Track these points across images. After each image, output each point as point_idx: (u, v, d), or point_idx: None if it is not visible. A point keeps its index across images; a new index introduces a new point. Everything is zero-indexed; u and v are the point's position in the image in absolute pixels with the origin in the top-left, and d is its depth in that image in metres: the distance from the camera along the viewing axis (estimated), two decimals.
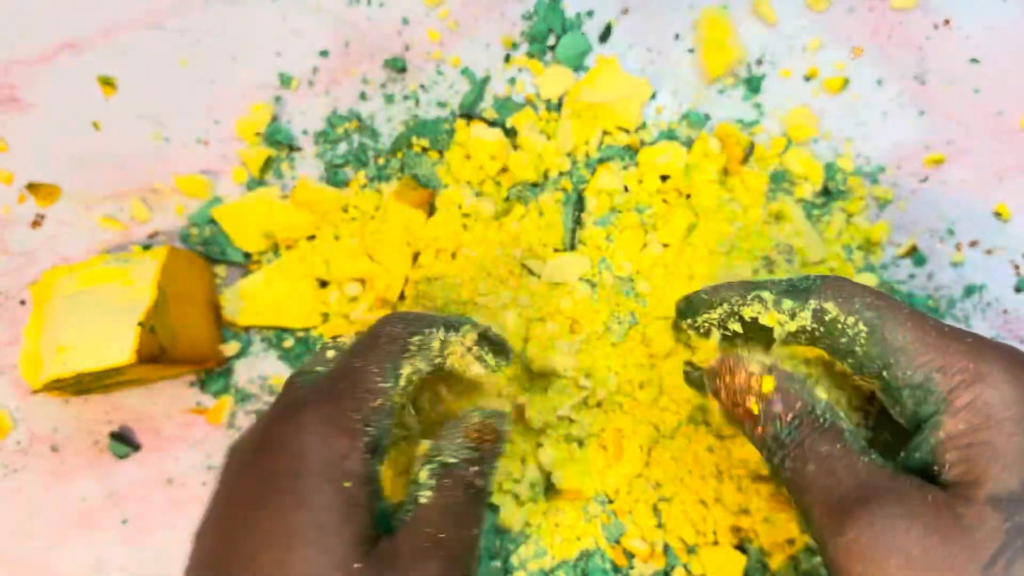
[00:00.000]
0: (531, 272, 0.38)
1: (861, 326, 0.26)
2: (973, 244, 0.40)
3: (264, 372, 0.39)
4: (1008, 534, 0.23)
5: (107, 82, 0.41)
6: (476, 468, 0.28)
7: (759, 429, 0.27)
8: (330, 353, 0.29)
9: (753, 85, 0.41)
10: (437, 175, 0.40)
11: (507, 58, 0.41)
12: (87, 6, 0.41)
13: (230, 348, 0.39)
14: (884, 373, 0.26)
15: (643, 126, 0.41)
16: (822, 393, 0.27)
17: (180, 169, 0.40)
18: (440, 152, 0.40)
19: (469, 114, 0.40)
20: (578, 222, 0.39)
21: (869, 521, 0.24)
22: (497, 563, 0.37)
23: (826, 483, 0.25)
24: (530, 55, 0.41)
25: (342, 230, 0.39)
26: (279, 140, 0.40)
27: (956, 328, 0.26)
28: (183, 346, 0.36)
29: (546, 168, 0.39)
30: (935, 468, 0.25)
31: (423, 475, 0.27)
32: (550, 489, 0.37)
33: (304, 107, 0.41)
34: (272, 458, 0.24)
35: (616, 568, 0.37)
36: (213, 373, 0.39)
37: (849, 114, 0.41)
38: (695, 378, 0.34)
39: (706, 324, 0.31)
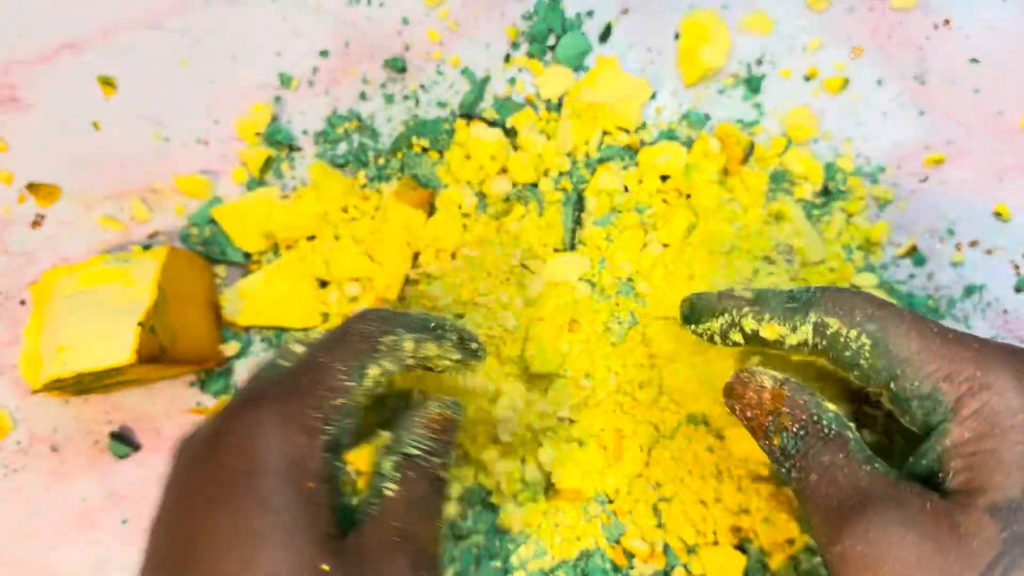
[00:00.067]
0: (531, 272, 0.38)
1: (864, 339, 0.26)
2: (973, 244, 0.40)
3: None
4: (1005, 543, 0.23)
5: (107, 82, 0.41)
6: (439, 459, 0.27)
7: (768, 441, 0.27)
8: (296, 347, 0.28)
9: (753, 85, 0.41)
10: (437, 175, 0.40)
11: (507, 58, 0.41)
12: (87, 6, 0.41)
13: (230, 348, 0.39)
14: (892, 384, 0.26)
15: (643, 126, 0.41)
16: (830, 404, 0.27)
17: (180, 169, 0.40)
18: (440, 152, 0.40)
19: (469, 114, 0.40)
20: (578, 222, 0.39)
21: (865, 528, 0.24)
22: (497, 563, 0.37)
23: (827, 491, 0.25)
24: (530, 55, 0.41)
25: (342, 230, 0.39)
26: (279, 140, 0.40)
27: (960, 333, 0.26)
28: (183, 346, 0.36)
29: (546, 168, 0.39)
30: (940, 475, 0.25)
31: (387, 467, 0.26)
32: (550, 489, 0.37)
33: (304, 107, 0.41)
34: (229, 455, 0.23)
35: (616, 568, 0.37)
36: (213, 373, 0.39)
37: (849, 114, 0.41)
38: (687, 314, 0.33)
39: (708, 332, 0.31)
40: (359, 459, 0.33)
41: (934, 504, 0.24)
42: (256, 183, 0.41)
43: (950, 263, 0.40)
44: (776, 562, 0.36)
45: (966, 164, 0.40)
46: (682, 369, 0.37)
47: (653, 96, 0.41)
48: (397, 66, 0.41)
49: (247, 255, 0.40)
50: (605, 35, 0.41)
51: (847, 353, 0.27)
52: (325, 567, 0.22)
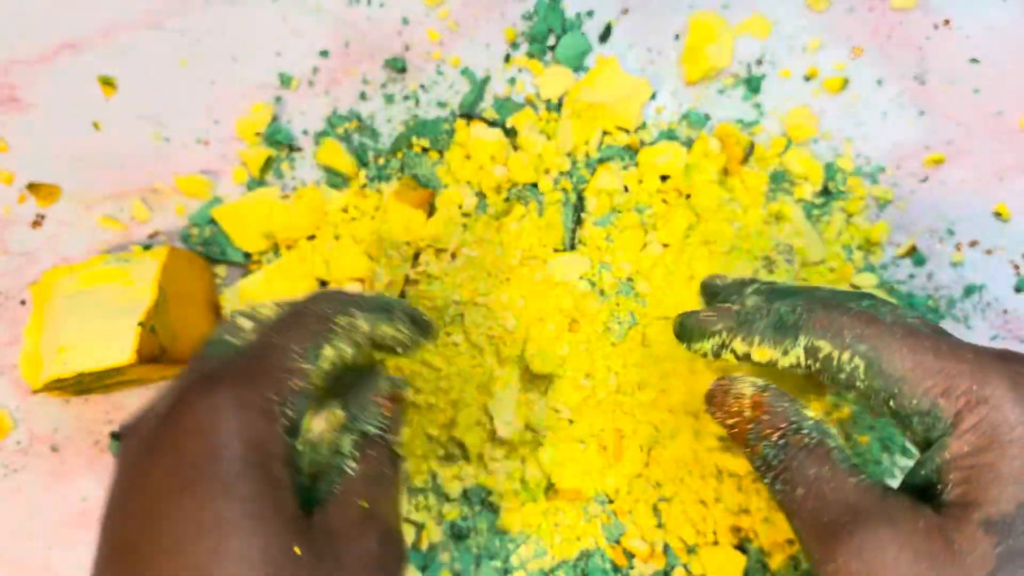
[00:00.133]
0: (531, 272, 0.38)
1: (857, 360, 0.26)
2: (973, 244, 0.40)
3: None
4: (999, 558, 0.22)
5: (107, 82, 0.41)
6: (393, 436, 0.27)
7: (751, 451, 0.27)
8: (242, 322, 0.27)
9: (753, 85, 0.41)
10: (437, 175, 0.40)
11: (507, 58, 0.41)
12: (87, 6, 0.41)
13: None
14: (891, 403, 0.25)
15: (643, 126, 0.41)
16: (810, 411, 0.26)
17: (180, 169, 0.40)
18: (440, 152, 0.40)
19: (469, 114, 0.40)
20: (578, 222, 0.39)
21: (858, 547, 0.23)
22: (497, 563, 0.37)
23: (815, 507, 0.25)
24: (530, 55, 0.41)
25: (342, 230, 0.39)
26: (279, 140, 0.40)
27: (953, 343, 0.25)
28: (183, 346, 0.36)
29: (546, 168, 0.39)
30: (938, 487, 0.24)
31: (345, 446, 0.26)
32: (550, 489, 0.37)
33: (304, 107, 0.41)
34: (188, 441, 0.22)
35: (616, 568, 0.37)
36: None
37: (849, 114, 0.41)
38: (678, 333, 0.32)
39: (701, 351, 0.30)
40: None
41: (927, 520, 0.23)
42: (256, 183, 0.41)
43: (950, 263, 0.40)
44: (776, 562, 0.36)
45: (966, 164, 0.40)
46: (682, 369, 0.37)
47: (653, 96, 0.41)
48: (397, 66, 0.41)
49: (247, 255, 0.40)
50: (605, 35, 0.41)
51: (842, 375, 0.26)
52: (297, 550, 0.22)
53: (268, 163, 0.41)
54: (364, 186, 0.40)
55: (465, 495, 0.38)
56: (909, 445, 0.26)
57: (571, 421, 0.37)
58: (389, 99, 0.41)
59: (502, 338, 0.38)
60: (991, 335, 0.40)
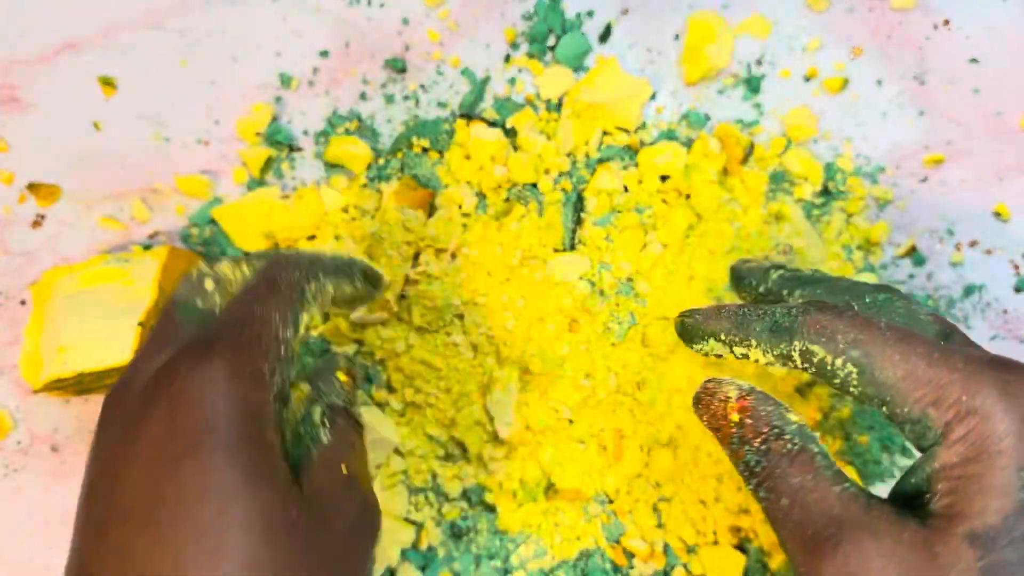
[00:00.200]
0: (531, 272, 0.38)
1: (850, 367, 0.25)
2: (973, 244, 0.40)
3: None
4: (983, 572, 0.22)
5: (107, 82, 0.41)
6: (355, 407, 0.29)
7: (735, 455, 0.26)
8: (208, 284, 0.28)
9: (753, 85, 0.41)
10: (437, 175, 0.40)
11: (507, 58, 0.41)
12: (87, 6, 0.41)
13: None
14: (884, 409, 0.25)
15: (643, 126, 0.41)
16: (794, 415, 0.26)
17: (180, 169, 0.40)
18: (440, 152, 0.40)
19: (469, 114, 0.41)
20: (578, 222, 0.39)
21: (843, 560, 0.23)
22: (497, 563, 0.37)
23: (799, 518, 0.24)
24: (530, 55, 0.41)
25: (342, 230, 0.39)
26: (279, 140, 0.40)
27: (947, 350, 0.25)
28: None
29: (546, 168, 0.39)
30: (927, 496, 0.24)
31: (316, 415, 0.27)
32: (550, 489, 0.37)
33: (304, 107, 0.41)
34: (184, 409, 0.23)
35: (616, 568, 0.37)
36: None
37: (849, 114, 0.41)
38: (679, 333, 0.33)
39: (702, 351, 0.30)
40: None
41: (912, 532, 0.23)
42: (256, 183, 0.41)
43: (950, 263, 0.40)
44: (776, 562, 0.36)
45: (966, 164, 0.40)
46: (682, 369, 0.37)
47: (653, 96, 0.41)
48: (397, 66, 0.41)
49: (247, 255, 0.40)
50: (605, 35, 0.41)
51: (836, 380, 0.26)
52: (294, 513, 0.23)
53: (268, 163, 0.41)
54: (364, 186, 0.40)
55: (465, 495, 0.38)
56: (910, 446, 0.26)
57: (571, 421, 0.37)
58: (389, 99, 0.41)
59: (502, 338, 0.38)
60: (991, 335, 0.40)
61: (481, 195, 0.39)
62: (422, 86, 0.41)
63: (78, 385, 0.36)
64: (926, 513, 0.24)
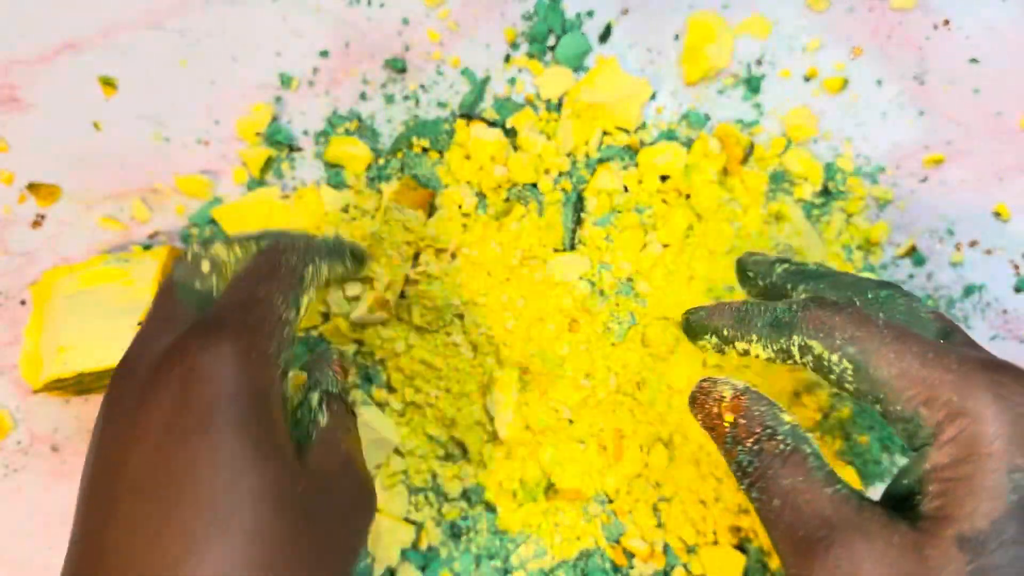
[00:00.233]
0: (531, 272, 0.38)
1: (846, 363, 0.25)
2: (973, 244, 0.40)
3: None
4: None
5: (107, 82, 0.41)
6: (349, 396, 0.30)
7: (730, 455, 0.27)
8: (205, 266, 0.28)
9: (753, 85, 0.41)
10: (437, 175, 0.40)
11: (507, 58, 0.41)
12: (87, 6, 0.41)
13: None
14: (878, 407, 0.25)
15: (643, 126, 0.41)
16: (787, 415, 0.26)
17: (180, 169, 0.40)
18: (440, 152, 0.40)
19: (469, 114, 0.41)
20: (578, 222, 0.39)
21: (833, 562, 0.23)
22: (497, 563, 0.37)
23: (791, 520, 0.24)
24: (530, 55, 0.41)
25: (342, 230, 0.39)
26: (279, 140, 0.40)
27: (942, 350, 0.25)
28: None
29: (546, 168, 0.39)
30: (918, 497, 0.24)
31: (315, 400, 0.28)
32: (550, 489, 0.37)
33: (304, 107, 0.41)
34: (196, 386, 0.24)
35: (616, 568, 0.37)
36: None
37: (849, 114, 0.41)
38: (684, 330, 0.33)
39: (705, 348, 0.31)
40: None
41: (902, 536, 0.23)
42: (256, 183, 0.41)
43: (949, 263, 0.40)
44: (776, 562, 0.36)
45: (966, 164, 0.40)
46: (682, 369, 0.37)
47: (653, 96, 0.41)
48: (397, 66, 0.41)
49: None
50: (605, 35, 0.41)
51: (832, 376, 0.26)
52: (300, 487, 0.24)
53: (268, 163, 0.41)
54: (364, 186, 0.40)
55: (465, 495, 0.38)
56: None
57: (571, 421, 0.37)
58: (389, 99, 0.41)
59: (502, 338, 0.38)
60: (991, 335, 0.40)
61: (481, 195, 0.39)
62: (422, 86, 0.41)
63: (78, 385, 0.36)
64: (917, 515, 0.24)
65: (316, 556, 0.24)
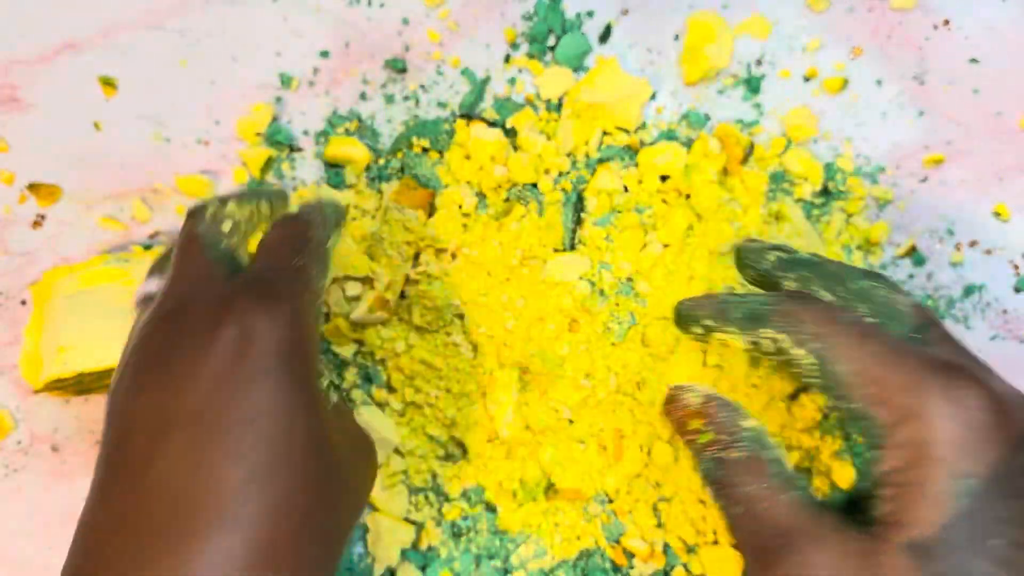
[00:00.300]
0: (531, 272, 0.38)
1: (811, 358, 0.25)
2: (972, 244, 0.40)
3: None
4: None
5: (108, 82, 0.41)
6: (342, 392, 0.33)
7: (697, 461, 0.27)
8: (226, 226, 0.30)
9: (753, 85, 0.41)
10: (437, 175, 0.40)
11: (507, 58, 0.41)
12: (87, 6, 0.41)
13: None
14: (841, 403, 0.25)
15: (643, 126, 0.41)
16: (750, 421, 0.26)
17: (181, 169, 0.40)
18: (440, 152, 0.40)
19: (469, 114, 0.41)
20: (578, 222, 0.39)
21: (789, 571, 0.23)
22: (497, 563, 0.37)
23: (751, 528, 0.24)
24: (530, 55, 0.41)
25: (342, 230, 0.39)
26: (280, 140, 0.40)
27: (904, 352, 0.24)
28: None
29: (546, 168, 0.39)
30: (874, 500, 0.24)
31: (324, 383, 0.31)
32: (550, 489, 0.37)
33: (304, 107, 0.41)
34: (256, 341, 0.25)
35: (616, 568, 0.37)
36: None
37: (849, 114, 0.41)
38: (675, 321, 0.33)
39: (695, 337, 0.31)
40: None
41: (855, 542, 0.23)
42: (257, 183, 0.41)
43: (949, 263, 0.40)
44: None
45: (965, 164, 0.40)
46: (682, 369, 0.37)
47: (653, 96, 0.41)
48: (397, 66, 0.41)
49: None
50: (605, 35, 0.41)
51: (798, 370, 0.26)
52: (334, 439, 0.27)
53: (268, 163, 0.41)
54: (364, 186, 0.40)
55: (465, 495, 0.38)
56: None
57: (571, 421, 0.37)
58: (389, 99, 0.41)
59: (502, 338, 0.38)
60: (991, 335, 0.40)
61: (481, 195, 0.39)
62: (422, 86, 0.41)
63: (78, 385, 0.36)
64: (871, 520, 0.23)
65: (343, 500, 0.27)
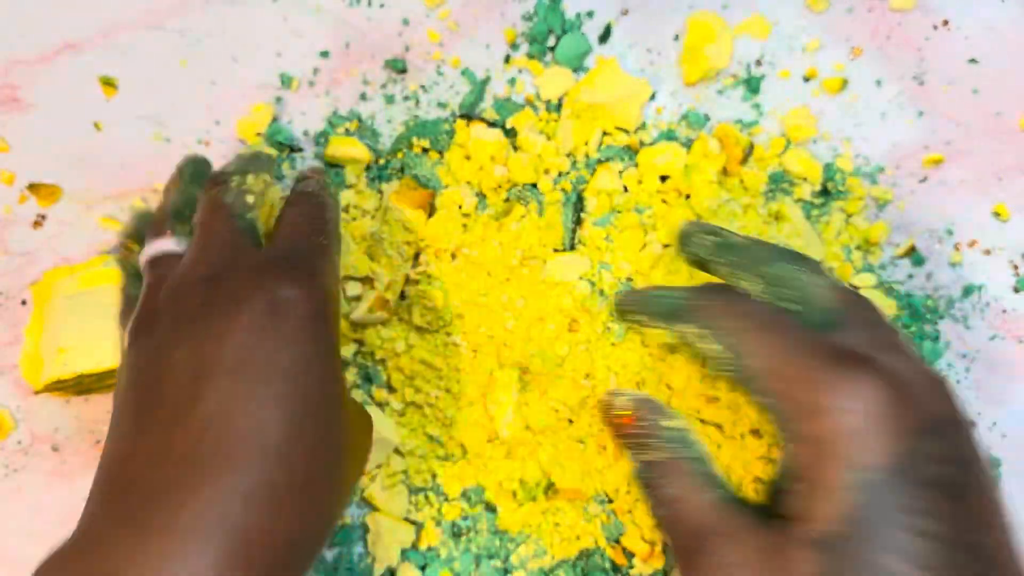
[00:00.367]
0: (531, 272, 0.38)
1: (727, 353, 0.25)
2: (972, 244, 0.40)
3: None
4: None
5: (108, 82, 0.41)
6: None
7: (631, 464, 0.27)
8: (250, 199, 0.32)
9: (752, 86, 0.41)
10: (437, 175, 0.40)
11: (507, 59, 0.41)
12: (87, 6, 0.41)
13: None
14: (756, 398, 0.25)
15: (643, 126, 0.41)
16: (674, 423, 0.26)
17: None
18: (440, 152, 0.40)
19: (469, 115, 0.41)
20: (578, 222, 0.39)
21: (708, 570, 0.23)
22: (497, 563, 0.37)
23: (673, 528, 0.25)
24: (530, 56, 0.41)
25: (342, 230, 0.39)
26: (280, 141, 0.40)
27: (809, 346, 0.24)
28: None
29: (546, 168, 0.39)
30: (787, 495, 0.24)
31: None
32: (550, 489, 0.37)
33: (305, 108, 0.41)
34: (296, 309, 0.27)
35: (616, 567, 0.37)
36: None
37: (848, 114, 0.41)
38: (615, 309, 0.33)
39: (634, 330, 0.31)
40: None
41: (765, 539, 0.23)
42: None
43: (949, 263, 0.40)
44: None
45: (965, 164, 0.40)
46: (682, 369, 0.37)
47: (653, 97, 0.41)
48: (397, 67, 0.41)
49: None
50: (605, 36, 0.41)
51: (716, 363, 0.26)
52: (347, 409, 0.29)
53: None
54: (364, 186, 0.40)
55: (465, 495, 0.38)
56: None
57: (571, 421, 0.37)
58: (389, 100, 0.41)
59: (502, 338, 0.38)
60: (990, 335, 0.40)
61: (481, 195, 0.39)
62: (422, 86, 0.41)
63: (79, 386, 0.36)
64: (782, 515, 0.23)
65: (353, 458, 0.30)
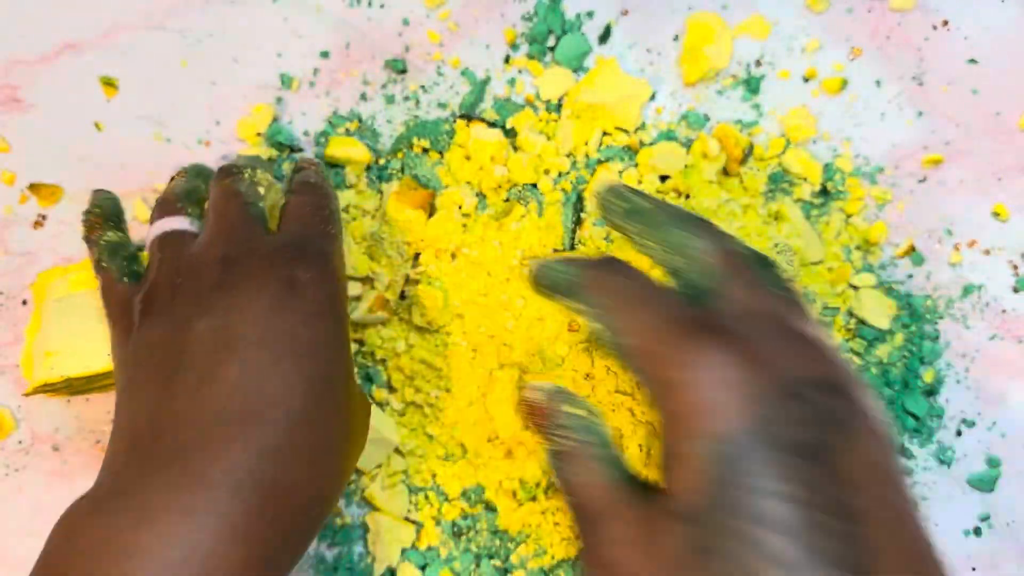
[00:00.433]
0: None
1: (607, 334, 0.25)
2: (971, 244, 0.40)
3: None
4: (696, 552, 0.21)
5: (108, 83, 0.41)
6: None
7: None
8: (261, 189, 0.34)
9: (752, 86, 0.41)
10: (437, 176, 0.40)
11: (507, 59, 0.41)
12: (88, 7, 0.41)
13: None
14: (634, 376, 0.25)
15: (642, 127, 0.41)
16: (578, 410, 0.26)
17: None
18: (440, 153, 0.40)
19: (469, 115, 0.41)
20: (578, 222, 0.39)
21: (598, 553, 0.23)
22: (497, 562, 0.37)
23: (577, 514, 0.25)
24: (530, 56, 0.41)
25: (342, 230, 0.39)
26: (280, 141, 0.40)
27: (674, 321, 0.24)
28: None
29: (546, 168, 0.39)
30: (664, 472, 0.24)
31: None
32: (550, 488, 0.37)
33: (305, 108, 0.41)
34: (316, 289, 0.30)
35: None
36: None
37: (848, 115, 0.41)
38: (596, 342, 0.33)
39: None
40: None
41: (644, 513, 0.23)
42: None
43: (948, 263, 0.40)
44: None
45: (964, 164, 0.41)
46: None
47: (652, 97, 0.41)
48: (398, 67, 0.41)
49: None
50: (605, 36, 0.41)
51: (600, 341, 0.25)
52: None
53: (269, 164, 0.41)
54: (365, 186, 0.40)
55: (465, 495, 0.38)
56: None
57: None
58: (390, 100, 0.41)
59: (502, 338, 0.38)
60: (990, 335, 0.40)
61: (481, 195, 0.40)
62: (422, 87, 0.41)
63: (69, 389, 0.36)
64: (663, 491, 0.23)
65: (359, 435, 0.32)
